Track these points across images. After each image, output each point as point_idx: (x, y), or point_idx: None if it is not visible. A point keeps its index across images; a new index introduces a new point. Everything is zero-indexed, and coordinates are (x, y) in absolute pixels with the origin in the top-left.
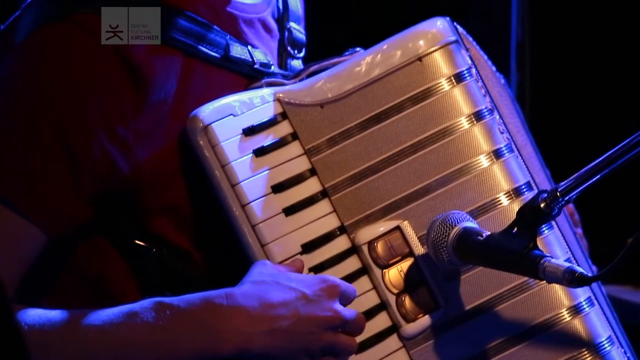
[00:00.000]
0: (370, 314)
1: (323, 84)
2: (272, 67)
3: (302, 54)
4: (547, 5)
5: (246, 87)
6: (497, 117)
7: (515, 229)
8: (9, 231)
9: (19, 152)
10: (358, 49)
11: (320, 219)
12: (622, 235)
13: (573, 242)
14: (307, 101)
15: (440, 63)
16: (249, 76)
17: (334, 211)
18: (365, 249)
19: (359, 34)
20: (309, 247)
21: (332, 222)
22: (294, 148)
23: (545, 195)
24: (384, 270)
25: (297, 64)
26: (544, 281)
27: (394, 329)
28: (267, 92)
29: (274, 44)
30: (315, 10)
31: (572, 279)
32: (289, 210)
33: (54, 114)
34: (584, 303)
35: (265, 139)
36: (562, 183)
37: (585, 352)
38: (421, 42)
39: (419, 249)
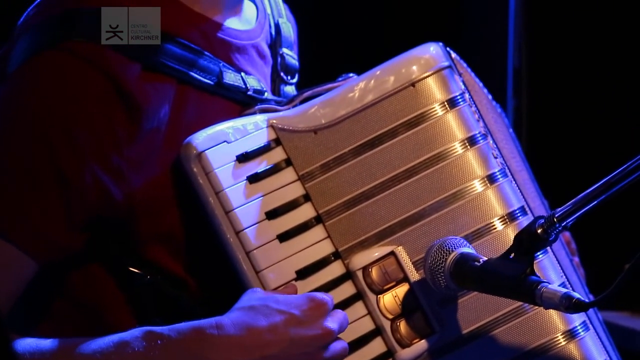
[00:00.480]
0: (365, 339)
1: (316, 110)
2: (266, 94)
3: (295, 80)
4: (543, 31)
5: (240, 114)
6: (491, 142)
7: (512, 254)
8: (1, 260)
9: (10, 180)
10: (351, 74)
11: (315, 244)
12: (619, 260)
13: (569, 267)
14: (301, 127)
15: (434, 88)
16: (242, 103)
17: (328, 237)
18: (359, 274)
19: (352, 59)
20: (303, 273)
21: (326, 248)
22: (288, 174)
23: (542, 220)
24: (378, 296)
25: (290, 89)
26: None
27: (389, 354)
28: (260, 118)
29: (267, 70)
30: (308, 36)
31: (569, 305)
32: (283, 237)
33: (46, 144)
34: (579, 327)
35: (259, 165)
36: (559, 209)
37: None
38: (414, 68)
39: (414, 274)
